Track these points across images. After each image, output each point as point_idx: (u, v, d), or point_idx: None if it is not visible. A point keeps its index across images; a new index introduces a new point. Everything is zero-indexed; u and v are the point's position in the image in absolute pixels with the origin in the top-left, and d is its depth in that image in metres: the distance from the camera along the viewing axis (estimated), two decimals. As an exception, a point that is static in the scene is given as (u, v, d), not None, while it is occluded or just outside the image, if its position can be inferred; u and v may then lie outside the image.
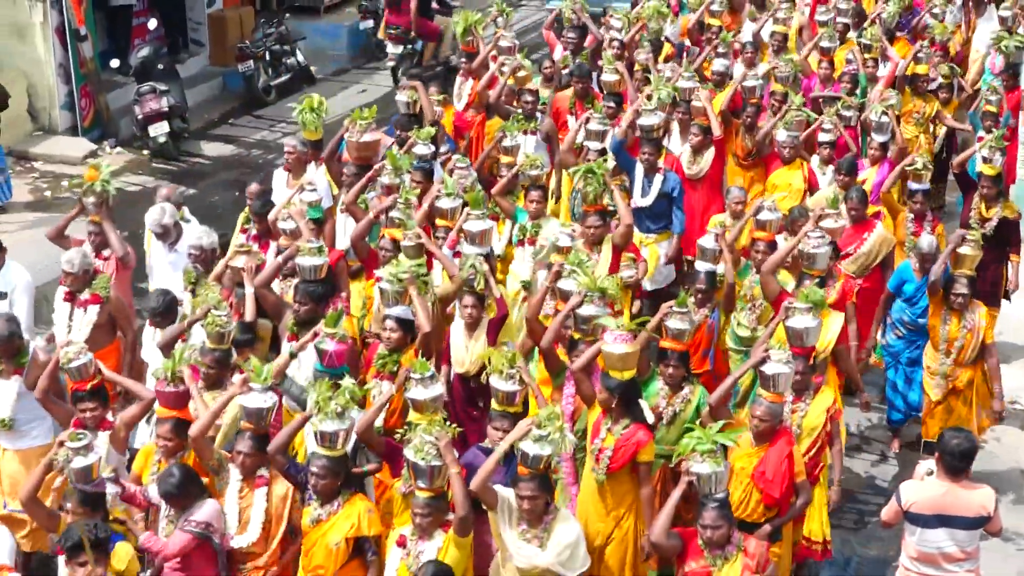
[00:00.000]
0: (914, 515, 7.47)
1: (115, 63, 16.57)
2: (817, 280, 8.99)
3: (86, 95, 15.95)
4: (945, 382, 9.73)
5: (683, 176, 11.52)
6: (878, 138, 11.88)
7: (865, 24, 14.59)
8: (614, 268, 9.62)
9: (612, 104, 12.13)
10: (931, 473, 7.58)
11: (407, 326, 8.38)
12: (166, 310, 9.12)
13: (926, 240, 10.13)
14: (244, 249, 9.47)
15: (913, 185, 11.13)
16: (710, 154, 11.69)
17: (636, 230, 10.75)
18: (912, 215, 11.08)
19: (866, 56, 13.72)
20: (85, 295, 9.26)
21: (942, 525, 7.41)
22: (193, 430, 7.41)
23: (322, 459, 7.14)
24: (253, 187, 11.03)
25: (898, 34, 15.13)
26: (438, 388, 7.54)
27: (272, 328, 9.11)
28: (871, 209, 11.04)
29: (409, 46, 18.12)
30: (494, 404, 7.68)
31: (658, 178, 11.04)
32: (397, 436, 7.35)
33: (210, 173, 16.00)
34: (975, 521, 7.43)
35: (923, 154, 11.38)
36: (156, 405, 7.79)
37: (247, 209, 10.59)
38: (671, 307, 8.25)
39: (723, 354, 9.68)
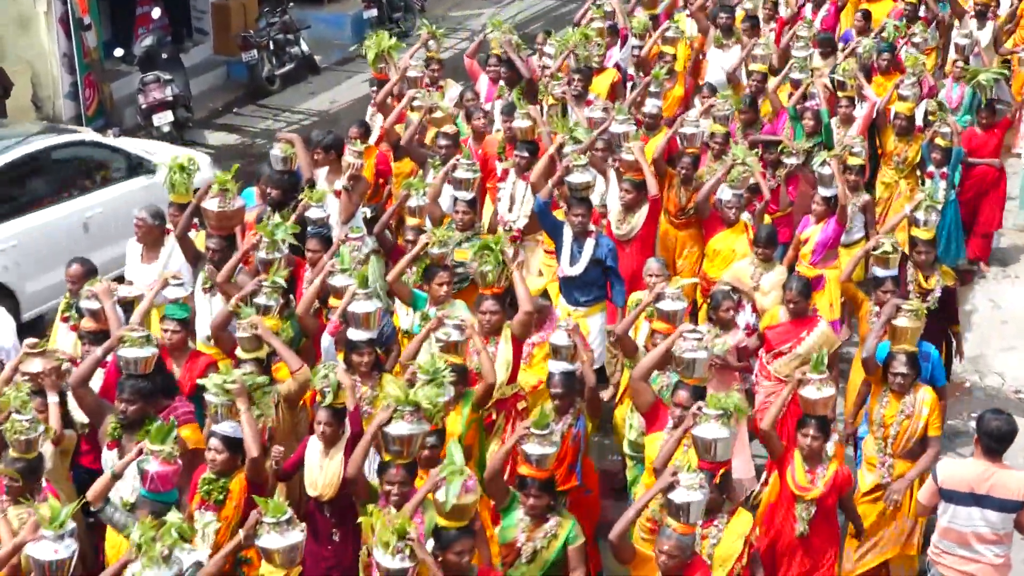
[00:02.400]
0: (948, 492, 7.50)
1: (119, 52, 16.56)
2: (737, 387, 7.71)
3: (90, 85, 15.95)
4: (884, 472, 8.31)
5: (610, 236, 10.24)
6: (823, 192, 10.39)
7: (839, 59, 13.09)
8: (516, 362, 8.43)
9: (525, 154, 10.61)
10: None
11: (236, 446, 7.06)
12: None
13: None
14: (36, 350, 7.91)
15: (879, 271, 9.27)
16: (643, 212, 10.27)
17: (563, 302, 9.77)
18: (879, 308, 8.98)
19: (841, 95, 12.31)
20: None
21: (975, 504, 7.44)
22: None
23: None
24: (74, 268, 9.03)
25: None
26: (296, 535, 6.37)
27: (78, 439, 7.99)
28: (812, 272, 9.93)
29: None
30: None
31: (589, 243, 9.66)
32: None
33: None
34: (1010, 504, 7.42)
35: (890, 234, 9.52)
36: None
37: (67, 295, 9.01)
38: (527, 428, 6.95)
39: (593, 467, 8.45)
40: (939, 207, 9.97)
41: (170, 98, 15.61)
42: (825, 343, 8.89)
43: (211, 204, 9.15)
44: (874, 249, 9.33)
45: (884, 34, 13.78)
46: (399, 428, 6.76)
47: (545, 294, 8.75)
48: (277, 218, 9.13)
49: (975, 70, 12.86)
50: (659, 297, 8.41)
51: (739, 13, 14.31)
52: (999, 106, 13.08)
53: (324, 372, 7.36)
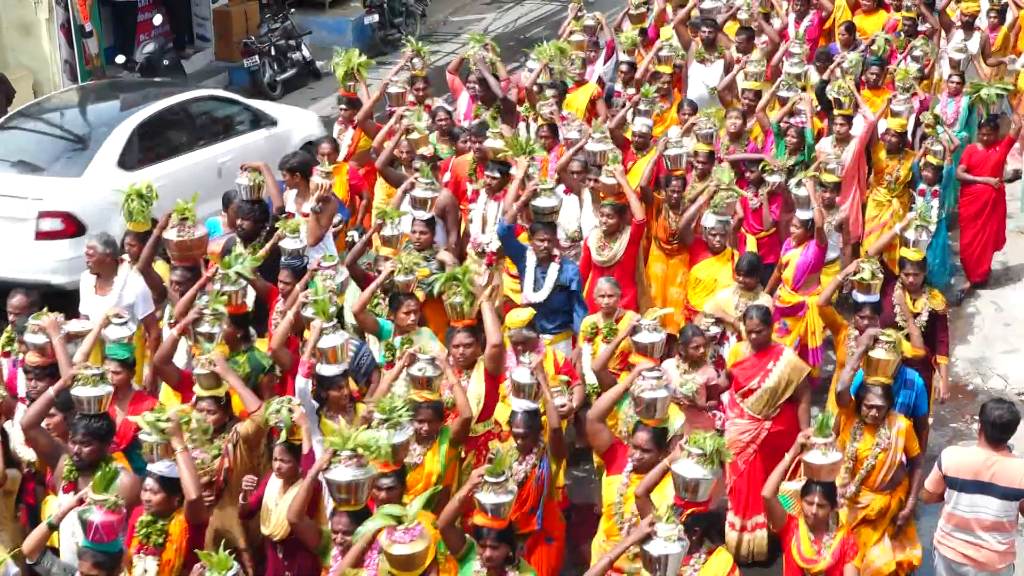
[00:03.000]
0: (952, 479, 7.61)
1: (121, 59, 16.62)
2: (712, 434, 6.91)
3: (92, 91, 16.01)
4: (853, 509, 8.05)
5: (588, 263, 9.89)
6: (800, 214, 9.99)
7: (828, 75, 12.52)
8: (490, 398, 8.05)
9: (496, 175, 10.18)
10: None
11: (173, 486, 6.72)
12: None
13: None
14: None
15: (859, 296, 8.90)
16: (625, 238, 9.77)
17: None
18: (858, 333, 8.71)
19: (837, 113, 11.83)
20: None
21: (979, 491, 7.53)
22: None
23: None
24: (17, 299, 8.65)
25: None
26: None
27: (20, 478, 7.63)
28: (794, 298, 9.75)
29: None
30: None
31: (553, 268, 9.36)
32: None
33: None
34: (1012, 492, 7.51)
35: (873, 263, 9.02)
36: None
37: (9, 328, 8.55)
38: (481, 475, 6.55)
39: (557, 514, 8.04)
40: (931, 227, 9.56)
41: (172, 104, 15.60)
42: (793, 372, 8.52)
43: (171, 234, 8.90)
44: (854, 273, 8.92)
45: (874, 47, 13.40)
46: (340, 474, 6.50)
47: (531, 325, 8.35)
48: (240, 249, 8.97)
49: (977, 84, 12.50)
50: (636, 329, 8.17)
51: (731, 25, 14.00)
52: (1001, 121, 12.66)
53: (277, 407, 7.14)
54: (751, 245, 10.78)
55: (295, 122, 13.59)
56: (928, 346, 9.13)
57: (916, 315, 9.15)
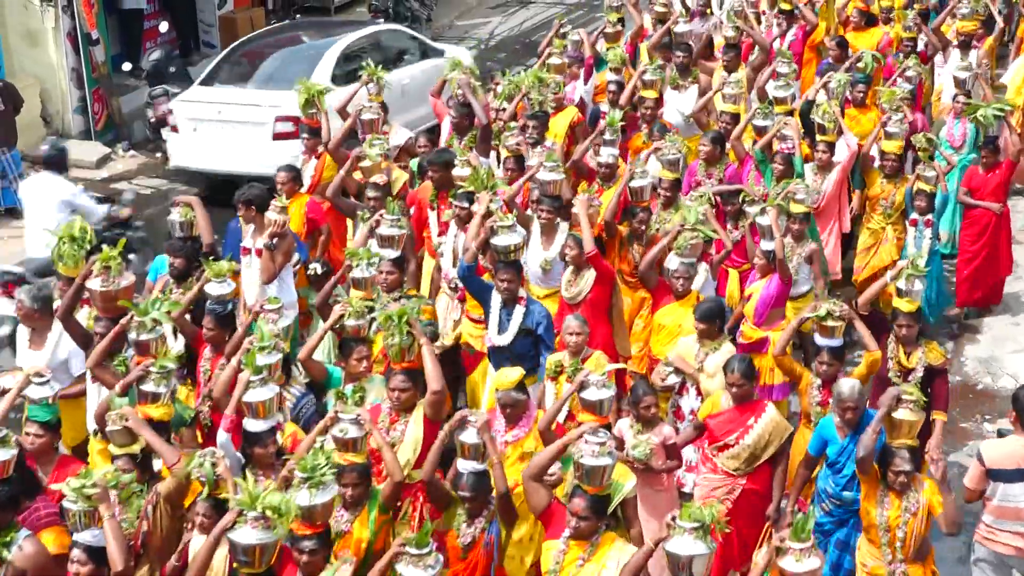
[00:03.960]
0: (996, 471, 7.63)
1: (127, 66, 16.62)
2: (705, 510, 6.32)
3: (99, 99, 16.04)
4: None
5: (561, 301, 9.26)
6: (764, 245, 9.40)
7: (811, 95, 12.01)
8: (429, 443, 7.32)
9: (466, 205, 9.58)
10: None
11: (102, 557, 6.34)
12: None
13: (846, 385, 7.73)
14: None
15: (820, 340, 8.20)
16: (592, 273, 9.10)
17: (492, 372, 8.67)
18: (820, 380, 8.21)
19: (819, 139, 11.10)
20: None
21: (1023, 479, 7.57)
22: None
23: None
24: None
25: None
26: None
27: None
28: (756, 334, 9.25)
29: None
30: None
31: (519, 310, 8.69)
32: None
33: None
34: None
35: (836, 302, 8.32)
36: None
37: None
38: (403, 545, 6.23)
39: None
40: (923, 275, 8.75)
41: (179, 111, 15.65)
42: (775, 432, 7.97)
43: (94, 284, 8.34)
44: (811, 313, 8.23)
45: (860, 64, 12.77)
46: (244, 536, 6.10)
47: (521, 386, 7.66)
48: (169, 292, 8.58)
49: (975, 105, 11.86)
50: (583, 386, 7.47)
51: (719, 41, 13.39)
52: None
53: (199, 460, 6.76)
54: (733, 279, 10.25)
55: (455, 55, 14.38)
56: (928, 403, 8.06)
57: (910, 371, 8.49)
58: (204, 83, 15.21)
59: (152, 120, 15.71)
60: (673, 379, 8.66)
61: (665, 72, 12.39)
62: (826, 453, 7.81)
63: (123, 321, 7.92)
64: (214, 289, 8.47)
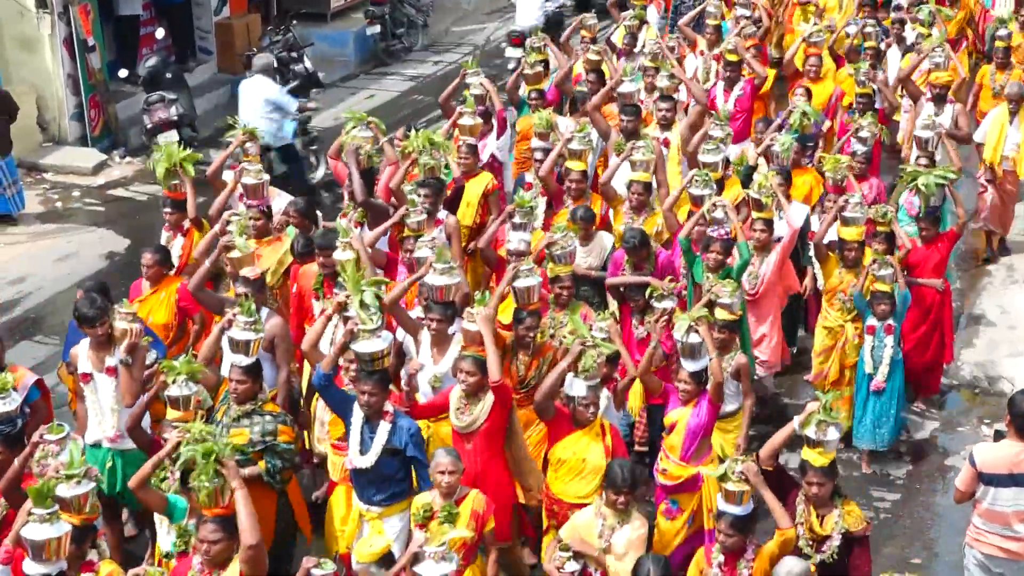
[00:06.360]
0: (987, 475, 7.63)
1: (123, 73, 16.61)
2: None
3: (95, 105, 16.03)
4: None
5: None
6: (688, 366, 7.99)
7: (751, 159, 10.98)
8: None
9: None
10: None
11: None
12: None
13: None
14: None
15: (722, 506, 6.98)
16: (489, 400, 7.79)
17: (357, 501, 7.76)
18: (721, 556, 7.05)
19: (756, 215, 9.77)
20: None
21: (1014, 484, 7.58)
22: None
23: None
24: None
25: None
26: None
27: None
28: (685, 471, 7.91)
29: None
30: None
31: (383, 427, 7.53)
32: None
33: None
34: None
35: (744, 459, 7.02)
36: None
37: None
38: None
39: None
40: (841, 424, 7.40)
41: (175, 117, 15.60)
42: None
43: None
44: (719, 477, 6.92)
45: (791, 120, 11.53)
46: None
47: (389, 558, 7.24)
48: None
49: (914, 172, 10.51)
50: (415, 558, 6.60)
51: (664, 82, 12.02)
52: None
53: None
54: (636, 388, 8.85)
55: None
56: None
57: (824, 539, 7.03)
58: None
59: (148, 126, 15.65)
60: (572, 566, 7.16)
61: (611, 137, 11.15)
62: None
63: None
64: None
